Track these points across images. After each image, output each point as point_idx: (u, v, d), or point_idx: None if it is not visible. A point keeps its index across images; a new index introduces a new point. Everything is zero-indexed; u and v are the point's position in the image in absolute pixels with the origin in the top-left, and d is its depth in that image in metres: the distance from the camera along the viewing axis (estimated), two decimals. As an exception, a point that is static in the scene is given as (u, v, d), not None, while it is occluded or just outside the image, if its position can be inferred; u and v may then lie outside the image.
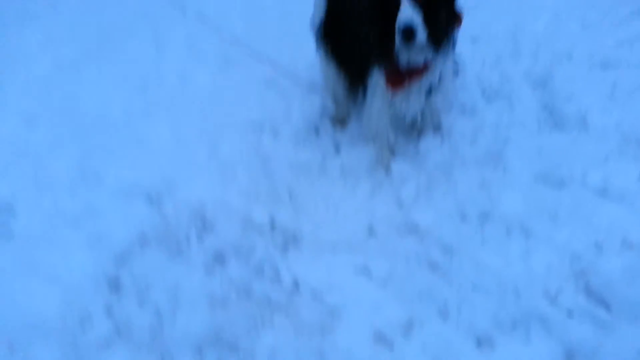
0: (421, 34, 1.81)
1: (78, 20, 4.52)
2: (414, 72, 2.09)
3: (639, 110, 2.38)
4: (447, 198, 2.17)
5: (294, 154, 2.64)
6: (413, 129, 2.63)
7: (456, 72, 2.72)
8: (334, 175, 2.51)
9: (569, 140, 2.33)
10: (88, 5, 4.87)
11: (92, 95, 3.27)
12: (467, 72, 2.98)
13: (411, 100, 2.28)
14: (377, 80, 2.25)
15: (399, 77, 2.12)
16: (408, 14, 1.77)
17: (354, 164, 2.55)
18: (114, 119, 2.97)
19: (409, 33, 1.78)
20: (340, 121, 2.83)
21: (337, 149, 2.69)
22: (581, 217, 1.91)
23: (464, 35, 3.41)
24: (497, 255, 1.88)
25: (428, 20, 1.82)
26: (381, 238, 2.10)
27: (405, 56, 2.00)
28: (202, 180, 2.43)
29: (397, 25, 1.80)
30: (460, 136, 2.53)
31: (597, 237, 1.83)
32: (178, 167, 2.54)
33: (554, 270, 1.78)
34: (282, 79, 3.20)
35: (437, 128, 2.57)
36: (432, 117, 2.53)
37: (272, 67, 3.36)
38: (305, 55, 3.43)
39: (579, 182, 2.05)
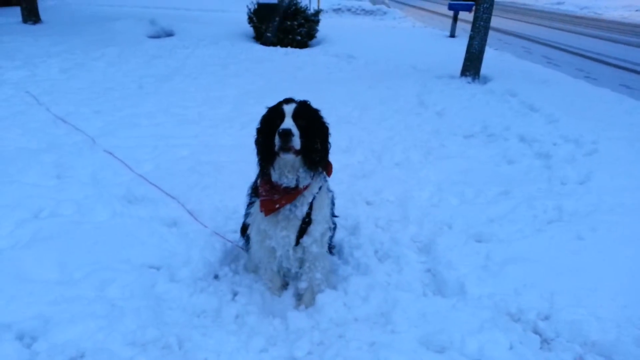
0: (296, 141, 2.25)
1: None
2: (285, 194, 2.39)
3: (509, 283, 2.68)
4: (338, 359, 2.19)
5: (188, 299, 2.58)
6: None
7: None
8: (228, 324, 2.47)
9: (449, 306, 2.54)
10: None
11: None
12: (361, 232, 3.23)
13: (279, 228, 2.48)
14: (256, 206, 2.54)
15: (271, 200, 2.41)
16: (288, 123, 2.28)
17: (250, 311, 2.55)
18: (-5, 248, 2.75)
19: (287, 134, 2.22)
20: None
21: (234, 295, 2.69)
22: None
23: (359, 198, 3.77)
24: None
25: (303, 137, 2.29)
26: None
27: (278, 171, 2.37)
28: (83, 323, 2.26)
29: (277, 130, 2.24)
30: (354, 293, 2.65)
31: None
32: (59, 305, 2.35)
33: None
34: (185, 222, 3.22)
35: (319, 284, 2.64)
36: (311, 268, 2.63)
37: (178, 205, 3.39)
38: (212, 200, 3.54)
39: (457, 349, 2.20)
